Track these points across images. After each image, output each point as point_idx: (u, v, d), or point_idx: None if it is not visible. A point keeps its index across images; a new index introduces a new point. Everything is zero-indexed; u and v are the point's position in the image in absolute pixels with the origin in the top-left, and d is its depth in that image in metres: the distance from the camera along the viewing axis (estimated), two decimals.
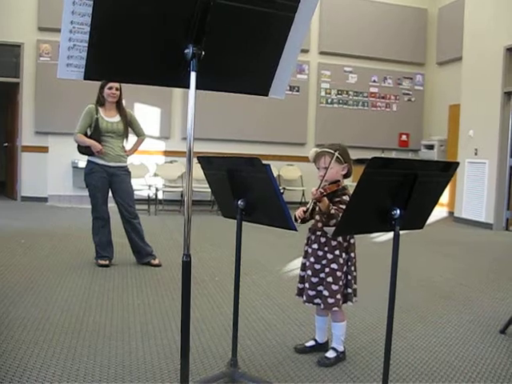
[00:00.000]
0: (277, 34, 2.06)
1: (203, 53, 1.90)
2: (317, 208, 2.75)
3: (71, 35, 1.74)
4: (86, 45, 1.77)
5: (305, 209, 2.69)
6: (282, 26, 2.05)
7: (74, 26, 1.73)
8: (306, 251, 2.90)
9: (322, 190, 2.65)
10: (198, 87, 1.93)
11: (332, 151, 2.77)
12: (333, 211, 2.66)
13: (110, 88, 4.77)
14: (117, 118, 4.88)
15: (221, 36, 1.96)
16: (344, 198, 2.76)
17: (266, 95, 2.22)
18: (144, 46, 1.90)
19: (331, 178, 2.75)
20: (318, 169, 2.83)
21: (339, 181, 2.78)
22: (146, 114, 9.37)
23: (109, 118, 4.84)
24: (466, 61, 9.30)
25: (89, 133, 4.82)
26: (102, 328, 3.25)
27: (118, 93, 4.84)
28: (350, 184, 3.10)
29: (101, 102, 4.84)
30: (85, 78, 1.82)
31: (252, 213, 2.47)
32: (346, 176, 2.85)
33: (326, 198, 2.66)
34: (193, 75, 1.91)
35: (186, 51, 1.89)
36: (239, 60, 2.09)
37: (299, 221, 2.71)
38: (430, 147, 10.66)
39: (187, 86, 1.93)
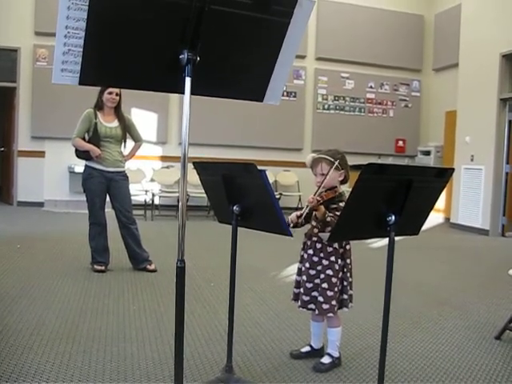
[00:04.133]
0: (272, 39, 2.07)
1: (198, 58, 1.91)
2: (313, 214, 2.75)
3: (66, 40, 1.74)
4: (81, 50, 1.77)
5: (299, 214, 2.70)
6: (276, 31, 2.05)
7: (69, 30, 1.73)
8: (302, 256, 2.90)
9: (319, 198, 2.65)
10: (193, 93, 1.94)
11: (329, 157, 2.78)
12: (329, 219, 2.67)
13: (110, 93, 4.76)
14: (115, 123, 4.87)
15: (216, 42, 1.97)
16: (341, 204, 2.75)
17: (261, 101, 2.23)
18: (139, 52, 1.90)
19: (328, 185, 2.75)
20: (315, 175, 2.83)
21: (336, 187, 2.78)
22: (143, 119, 9.36)
23: (107, 122, 4.84)
24: (462, 67, 9.34)
25: (87, 137, 4.82)
26: (97, 333, 3.24)
27: (118, 98, 4.82)
28: (347, 190, 3.11)
29: (100, 106, 4.83)
30: (80, 84, 1.82)
31: (247, 218, 2.47)
32: (343, 182, 2.85)
33: (322, 206, 2.66)
34: (188, 81, 1.91)
35: (180, 57, 1.90)
36: (234, 66, 2.09)
37: (291, 225, 2.71)
38: (427, 153, 10.70)
39: (182, 92, 1.93)
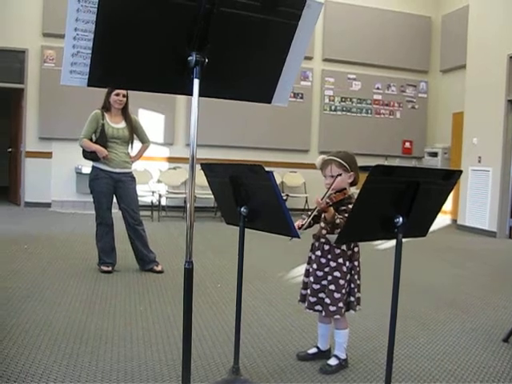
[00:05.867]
0: (280, 41, 2.07)
1: (206, 60, 1.91)
2: (322, 216, 2.75)
3: (75, 42, 1.75)
4: (90, 52, 1.78)
5: (300, 224, 2.67)
6: (285, 33, 2.05)
7: (78, 32, 1.74)
8: (310, 257, 2.89)
9: (328, 200, 2.64)
10: (201, 94, 1.94)
11: (339, 159, 2.77)
12: (338, 221, 2.65)
13: (117, 94, 4.78)
14: (122, 124, 4.89)
15: (224, 43, 1.97)
16: (350, 206, 2.73)
17: (269, 103, 2.23)
18: (147, 54, 1.91)
19: (338, 187, 2.74)
20: (325, 176, 2.82)
21: (345, 189, 2.78)
22: (150, 120, 9.37)
23: (114, 123, 4.85)
24: (469, 69, 9.31)
25: (94, 138, 4.83)
26: (105, 334, 3.25)
27: (125, 99, 4.84)
28: (356, 191, 3.10)
29: (107, 107, 4.85)
30: (88, 85, 1.83)
31: (255, 220, 2.46)
32: (352, 184, 2.84)
33: (331, 208, 2.65)
34: (196, 82, 1.92)
35: (189, 58, 1.90)
36: (242, 67, 2.09)
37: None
38: (434, 155, 10.66)
39: (190, 94, 1.94)
